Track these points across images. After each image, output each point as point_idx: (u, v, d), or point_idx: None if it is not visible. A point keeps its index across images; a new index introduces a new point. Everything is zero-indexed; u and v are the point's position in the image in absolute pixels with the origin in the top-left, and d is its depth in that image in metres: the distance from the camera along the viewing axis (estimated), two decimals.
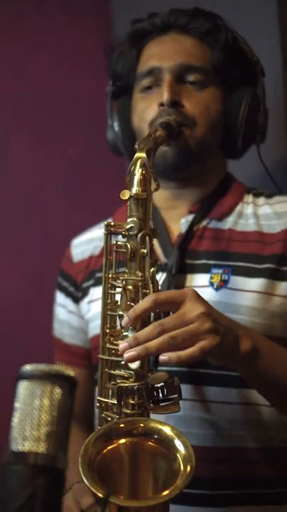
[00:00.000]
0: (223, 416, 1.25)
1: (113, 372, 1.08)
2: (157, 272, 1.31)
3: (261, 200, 1.39)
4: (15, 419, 0.81)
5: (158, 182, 1.09)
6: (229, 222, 1.35)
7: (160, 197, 1.39)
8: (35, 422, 0.80)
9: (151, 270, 1.08)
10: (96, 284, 1.40)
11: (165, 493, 0.95)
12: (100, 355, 1.11)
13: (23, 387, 0.82)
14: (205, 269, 1.31)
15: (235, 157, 1.42)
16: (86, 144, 2.05)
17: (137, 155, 1.10)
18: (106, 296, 1.12)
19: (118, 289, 1.10)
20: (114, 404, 1.07)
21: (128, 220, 1.09)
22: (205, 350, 1.02)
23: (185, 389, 1.24)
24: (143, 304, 1.04)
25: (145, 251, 1.07)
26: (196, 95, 1.32)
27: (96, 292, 1.39)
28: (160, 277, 1.32)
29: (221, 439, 1.25)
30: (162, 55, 1.34)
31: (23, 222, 2.06)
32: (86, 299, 1.42)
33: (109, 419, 1.08)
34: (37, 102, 2.05)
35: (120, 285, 1.08)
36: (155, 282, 1.08)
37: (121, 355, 1.03)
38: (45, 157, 2.06)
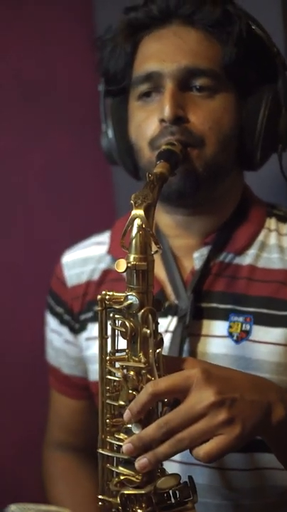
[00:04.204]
0: (244, 484, 1.10)
1: (116, 470, 0.92)
2: (166, 315, 1.13)
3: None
4: None
5: (159, 245, 0.90)
6: (249, 257, 1.15)
7: (168, 223, 1.18)
8: None
9: (156, 352, 0.90)
10: (96, 319, 1.21)
11: None
12: (100, 450, 0.94)
13: None
14: (222, 315, 1.12)
15: (253, 169, 1.20)
16: (68, 137, 1.83)
17: (134, 213, 0.89)
18: (104, 383, 0.94)
19: (118, 373, 0.92)
20: (117, 504, 0.92)
21: (127, 295, 0.89)
22: (219, 452, 0.85)
23: None
24: (141, 398, 0.87)
25: (148, 331, 0.89)
26: (204, 105, 1.09)
27: (97, 329, 1.21)
28: (170, 322, 1.13)
29: (241, 509, 1.11)
30: (161, 55, 1.10)
31: (1, 222, 1.85)
32: (84, 334, 1.24)
33: None
34: (14, 90, 1.80)
35: (119, 373, 0.90)
36: (161, 366, 0.90)
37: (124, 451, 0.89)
38: (24, 151, 1.84)
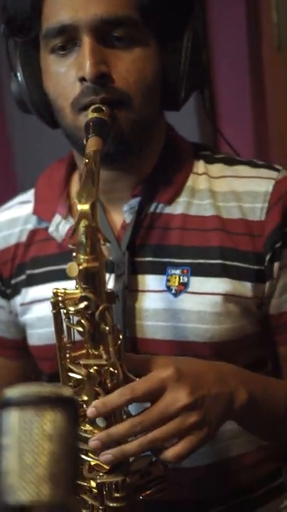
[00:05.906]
0: None
1: (85, 457, 0.93)
2: None
3: (216, 168, 1.14)
4: (7, 461, 0.65)
5: (107, 239, 0.87)
6: (180, 205, 1.11)
7: None
8: (36, 462, 0.65)
9: (117, 345, 0.88)
10: (29, 283, 1.18)
11: None
12: None
13: (13, 417, 0.66)
14: (159, 269, 1.10)
15: (175, 109, 1.13)
16: None
17: (80, 209, 0.84)
18: (66, 380, 0.93)
19: (80, 371, 0.90)
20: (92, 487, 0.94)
21: (81, 296, 0.86)
22: (188, 453, 0.89)
23: None
24: (116, 399, 0.87)
25: (107, 328, 0.87)
26: (125, 57, 1.01)
27: (31, 293, 1.17)
28: (108, 279, 1.10)
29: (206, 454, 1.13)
30: (74, 4, 0.99)
31: None
32: (17, 299, 1.19)
33: (90, 502, 0.95)
34: None
35: (81, 371, 0.89)
36: (122, 357, 0.89)
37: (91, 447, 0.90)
38: None
